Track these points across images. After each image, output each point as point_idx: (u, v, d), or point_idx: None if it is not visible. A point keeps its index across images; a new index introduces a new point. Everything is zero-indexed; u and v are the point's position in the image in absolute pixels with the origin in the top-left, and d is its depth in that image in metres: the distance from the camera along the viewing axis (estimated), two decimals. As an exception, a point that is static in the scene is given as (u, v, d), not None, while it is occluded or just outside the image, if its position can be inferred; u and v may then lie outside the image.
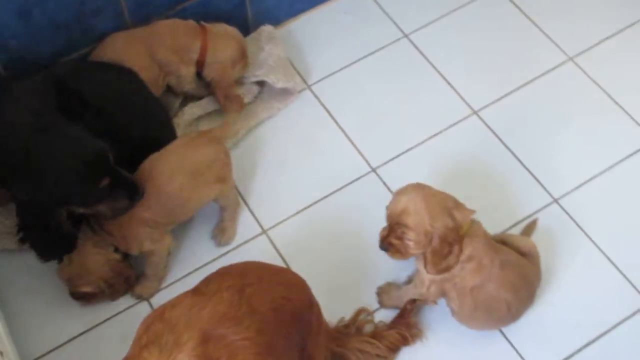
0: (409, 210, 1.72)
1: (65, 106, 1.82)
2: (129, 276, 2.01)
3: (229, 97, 2.26)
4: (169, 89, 2.29)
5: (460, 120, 2.31)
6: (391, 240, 1.77)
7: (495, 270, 1.77)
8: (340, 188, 2.19)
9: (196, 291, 1.51)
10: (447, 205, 1.74)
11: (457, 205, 1.76)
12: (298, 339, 1.58)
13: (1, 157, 1.77)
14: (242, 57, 2.29)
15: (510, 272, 1.81)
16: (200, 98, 2.32)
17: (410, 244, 1.74)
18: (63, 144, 1.75)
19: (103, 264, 1.93)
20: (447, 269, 1.76)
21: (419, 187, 1.78)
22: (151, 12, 2.23)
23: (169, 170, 1.91)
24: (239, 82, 2.33)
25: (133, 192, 1.82)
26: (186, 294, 1.51)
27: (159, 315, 1.45)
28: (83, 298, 1.98)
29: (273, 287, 1.56)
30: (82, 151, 1.75)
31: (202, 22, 2.26)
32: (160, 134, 2.06)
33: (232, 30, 2.29)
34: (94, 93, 1.92)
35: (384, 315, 1.97)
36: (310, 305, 1.65)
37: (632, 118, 2.29)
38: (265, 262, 1.70)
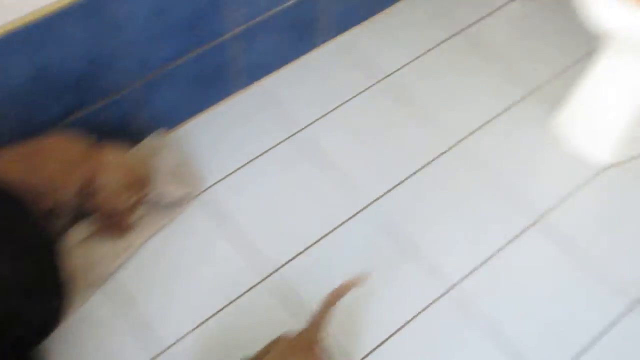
0: None
1: None
2: None
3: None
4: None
5: (358, 212, 2.35)
6: None
7: None
8: (243, 294, 2.18)
9: None
10: None
11: None
12: None
13: None
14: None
15: None
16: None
17: None
18: None
19: None
20: None
21: None
22: (36, 129, 2.17)
23: None
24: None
25: None
26: None
27: None
28: None
29: None
30: None
31: (98, 143, 2.21)
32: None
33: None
34: None
35: None
36: None
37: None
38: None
